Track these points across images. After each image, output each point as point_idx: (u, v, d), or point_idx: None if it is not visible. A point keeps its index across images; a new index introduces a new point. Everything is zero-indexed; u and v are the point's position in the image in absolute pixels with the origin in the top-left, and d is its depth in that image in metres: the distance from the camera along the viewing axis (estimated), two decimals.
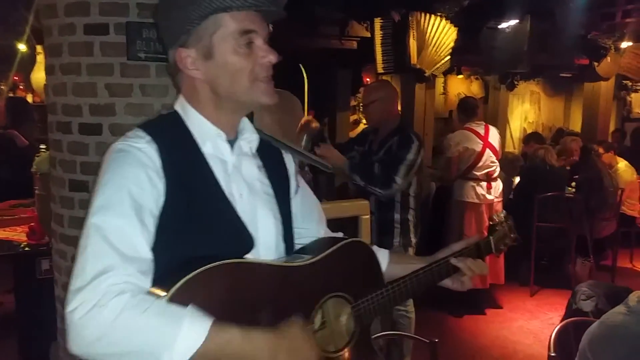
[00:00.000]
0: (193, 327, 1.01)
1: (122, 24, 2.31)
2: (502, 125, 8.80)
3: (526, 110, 10.83)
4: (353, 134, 8.63)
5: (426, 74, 6.05)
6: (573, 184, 5.85)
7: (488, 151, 4.66)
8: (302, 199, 1.48)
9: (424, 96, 7.50)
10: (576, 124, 10.10)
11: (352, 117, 9.05)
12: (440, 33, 5.97)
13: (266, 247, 1.30)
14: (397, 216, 3.40)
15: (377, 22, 6.02)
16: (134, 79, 2.35)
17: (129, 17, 2.32)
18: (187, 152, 1.24)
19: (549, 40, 6.51)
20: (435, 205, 5.73)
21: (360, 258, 1.43)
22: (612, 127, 9.25)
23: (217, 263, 1.11)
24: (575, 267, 5.38)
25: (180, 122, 1.27)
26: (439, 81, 8.95)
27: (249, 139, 1.33)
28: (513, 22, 5.95)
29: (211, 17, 1.19)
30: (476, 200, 4.66)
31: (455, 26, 5.97)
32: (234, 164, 1.29)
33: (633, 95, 10.51)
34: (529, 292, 5.21)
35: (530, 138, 7.15)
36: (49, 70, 2.50)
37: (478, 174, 4.66)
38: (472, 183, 4.68)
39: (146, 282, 1.09)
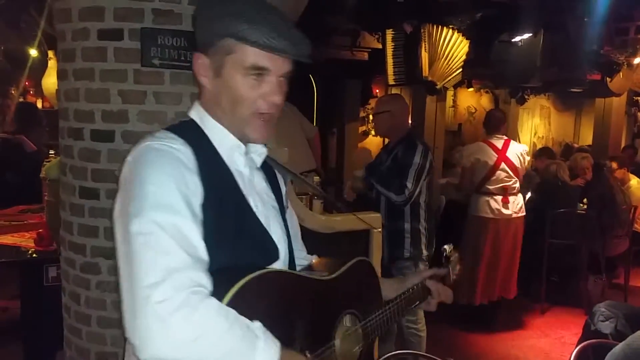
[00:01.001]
0: (267, 351, 1.01)
1: (137, 30, 2.29)
2: (511, 139, 8.74)
3: (536, 125, 10.77)
4: (361, 145, 8.61)
5: (437, 87, 6.01)
6: (585, 200, 5.78)
7: (503, 165, 4.59)
8: (290, 220, 1.47)
9: (434, 109, 7.45)
10: (586, 140, 10.02)
11: (361, 129, 9.01)
12: (452, 45, 5.93)
13: (280, 259, 1.29)
14: (407, 225, 3.36)
15: (389, 34, 5.99)
16: (148, 85, 2.32)
17: (144, 23, 2.29)
18: (213, 161, 1.21)
19: (561, 54, 6.46)
20: (444, 219, 5.67)
21: (367, 276, 1.49)
22: (622, 144, 9.17)
23: (263, 270, 1.11)
24: (587, 285, 5.30)
25: (200, 131, 1.24)
26: (449, 94, 8.90)
27: (260, 151, 1.31)
28: (526, 35, 5.90)
29: (228, 39, 1.17)
30: (491, 215, 4.59)
31: (467, 39, 5.93)
32: (248, 176, 1.27)
33: None
34: (540, 310, 5.12)
35: (542, 153, 7.09)
36: (61, 75, 2.47)
37: (491, 187, 4.59)
38: (486, 197, 4.61)
39: (211, 284, 1.04)
